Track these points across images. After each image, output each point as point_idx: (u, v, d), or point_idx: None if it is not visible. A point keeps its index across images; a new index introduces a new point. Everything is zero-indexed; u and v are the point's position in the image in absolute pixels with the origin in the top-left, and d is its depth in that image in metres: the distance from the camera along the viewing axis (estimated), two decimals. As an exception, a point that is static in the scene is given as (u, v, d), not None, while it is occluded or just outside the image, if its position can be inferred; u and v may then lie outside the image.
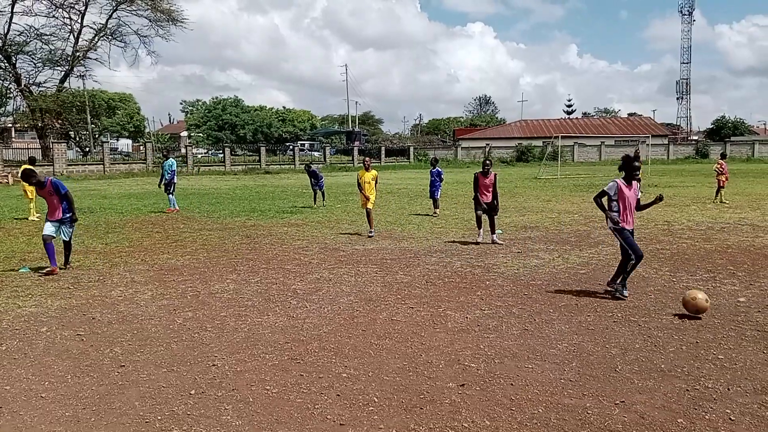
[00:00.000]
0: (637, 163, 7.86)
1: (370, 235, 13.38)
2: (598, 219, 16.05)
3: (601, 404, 4.65)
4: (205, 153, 66.44)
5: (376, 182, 13.81)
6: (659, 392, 4.85)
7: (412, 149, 60.62)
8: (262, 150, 51.74)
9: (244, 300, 7.90)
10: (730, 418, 4.37)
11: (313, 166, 21.42)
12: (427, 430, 4.29)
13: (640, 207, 8.04)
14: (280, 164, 51.54)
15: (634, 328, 6.54)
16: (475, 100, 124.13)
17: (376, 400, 4.79)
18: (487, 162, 12.42)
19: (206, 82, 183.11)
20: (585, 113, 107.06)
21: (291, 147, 60.22)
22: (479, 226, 12.41)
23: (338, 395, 4.89)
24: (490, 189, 12.22)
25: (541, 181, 33.42)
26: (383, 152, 57.90)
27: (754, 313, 7.03)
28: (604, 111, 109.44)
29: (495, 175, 12.30)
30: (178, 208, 19.15)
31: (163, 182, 19.20)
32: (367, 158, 14.61)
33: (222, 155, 50.43)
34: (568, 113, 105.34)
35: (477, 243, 12.13)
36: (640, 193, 8.11)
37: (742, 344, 5.96)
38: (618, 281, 7.99)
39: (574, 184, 31.07)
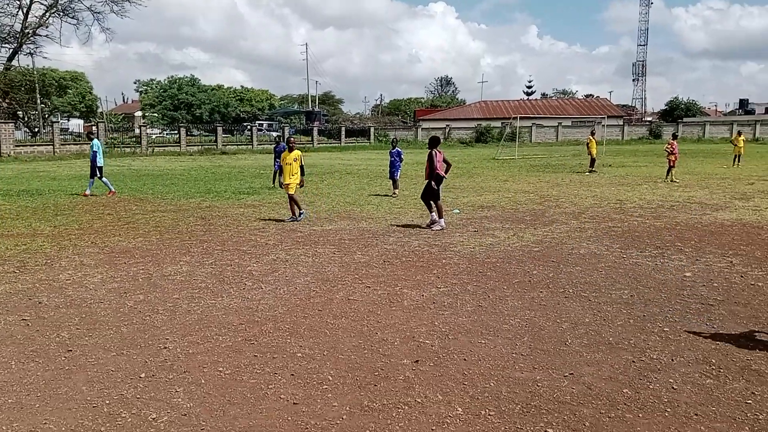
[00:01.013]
0: None
1: (292, 219, 12.61)
2: (552, 198, 16.33)
3: (551, 377, 4.75)
4: (159, 133, 64.91)
5: (301, 165, 12.70)
6: (606, 364, 4.98)
7: (372, 130, 60.42)
8: (219, 130, 50.78)
9: (198, 282, 7.78)
10: (672, 387, 4.52)
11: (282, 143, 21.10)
12: (381, 407, 4.31)
13: None
14: (237, 144, 50.71)
15: (584, 303, 6.69)
16: (436, 80, 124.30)
17: (331, 378, 4.79)
18: (437, 138, 12.27)
19: (161, 61, 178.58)
20: (544, 94, 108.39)
21: (249, 127, 59.29)
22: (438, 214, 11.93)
23: (292, 375, 4.87)
24: (441, 165, 11.90)
25: (499, 162, 33.76)
26: (343, 132, 57.56)
27: (699, 287, 7.27)
28: (562, 92, 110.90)
29: (432, 152, 11.81)
30: (89, 193, 17.73)
31: (98, 164, 17.93)
32: (291, 137, 13.87)
33: (177, 135, 49.33)
34: (528, 94, 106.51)
35: (439, 227, 11.69)
36: None
37: (687, 317, 6.15)
38: None
39: (531, 164, 31.48)
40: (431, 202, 11.89)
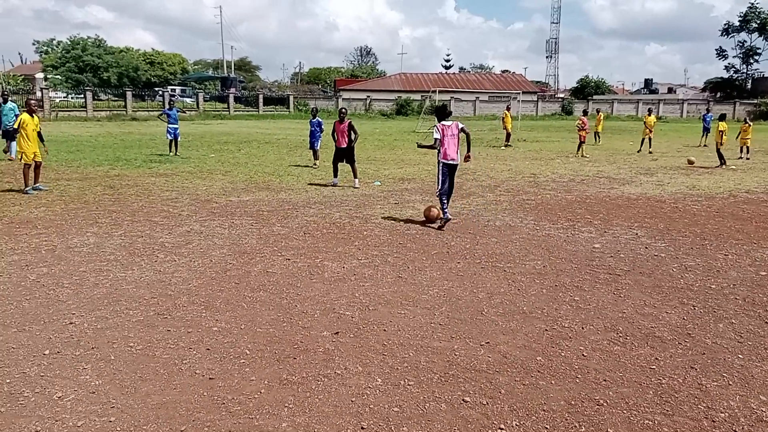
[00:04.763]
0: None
1: (28, 192, 11.61)
2: (470, 171, 16.64)
3: (468, 345, 4.85)
4: (64, 97, 61.08)
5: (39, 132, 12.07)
6: (521, 332, 5.13)
7: (291, 98, 59.25)
8: (129, 95, 48.33)
9: (106, 254, 7.40)
10: (582, 355, 4.72)
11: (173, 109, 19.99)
12: (300, 380, 4.26)
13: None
14: (148, 110, 48.49)
15: (500, 273, 6.86)
16: (356, 50, 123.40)
17: (248, 352, 4.69)
18: (343, 110, 14.01)
19: (61, 19, 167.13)
20: (462, 68, 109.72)
21: (161, 92, 56.76)
22: (335, 174, 13.70)
23: (208, 349, 4.73)
24: (345, 135, 13.43)
25: (419, 135, 33.99)
26: (261, 100, 56.17)
27: (607, 257, 7.61)
28: (480, 67, 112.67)
29: (350, 122, 13.47)
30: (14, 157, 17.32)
31: (2, 128, 17.52)
32: (32, 100, 12.75)
33: (83, 100, 46.58)
34: (446, 68, 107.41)
35: (334, 185, 13.49)
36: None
37: (596, 286, 6.44)
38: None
39: (450, 137, 31.86)
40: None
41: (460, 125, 9.36)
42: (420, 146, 9.91)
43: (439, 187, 9.32)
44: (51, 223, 9.06)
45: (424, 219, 9.66)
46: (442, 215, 9.31)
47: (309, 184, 13.86)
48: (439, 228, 9.16)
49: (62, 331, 5.02)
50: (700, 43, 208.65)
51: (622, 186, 14.14)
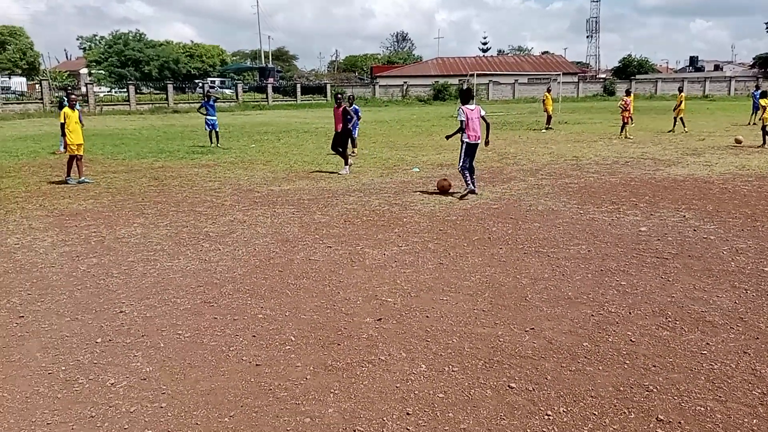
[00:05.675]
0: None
1: (68, 181, 12.49)
2: (510, 155, 16.44)
3: (512, 332, 4.80)
4: (108, 91, 62.57)
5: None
6: (566, 318, 5.06)
7: (329, 87, 59.41)
8: (170, 87, 49.18)
9: (153, 244, 7.58)
10: (630, 340, 4.62)
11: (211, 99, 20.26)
12: (345, 366, 4.29)
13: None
14: (189, 102, 49.29)
15: (543, 258, 6.77)
16: (392, 36, 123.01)
17: (293, 339, 4.75)
18: (338, 95, 14.18)
19: (103, 15, 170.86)
20: (500, 51, 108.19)
21: (200, 84, 57.60)
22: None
23: (254, 336, 4.81)
24: (340, 120, 13.61)
25: (457, 119, 33.67)
26: (299, 90, 56.46)
27: (654, 241, 7.43)
28: (518, 49, 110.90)
29: (344, 108, 13.63)
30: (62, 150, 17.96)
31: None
32: (72, 95, 13.28)
33: (126, 94, 47.62)
34: (484, 51, 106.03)
35: (339, 174, 13.39)
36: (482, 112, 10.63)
37: (643, 270, 6.29)
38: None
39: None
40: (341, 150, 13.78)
41: (482, 111, 10.53)
42: (448, 137, 11.23)
43: (461, 164, 10.41)
44: (99, 215, 9.32)
45: (438, 190, 10.86)
46: (466, 186, 10.42)
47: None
48: (461, 198, 10.26)
49: (113, 320, 5.16)
50: (749, 17, 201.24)
51: (668, 167, 13.77)
